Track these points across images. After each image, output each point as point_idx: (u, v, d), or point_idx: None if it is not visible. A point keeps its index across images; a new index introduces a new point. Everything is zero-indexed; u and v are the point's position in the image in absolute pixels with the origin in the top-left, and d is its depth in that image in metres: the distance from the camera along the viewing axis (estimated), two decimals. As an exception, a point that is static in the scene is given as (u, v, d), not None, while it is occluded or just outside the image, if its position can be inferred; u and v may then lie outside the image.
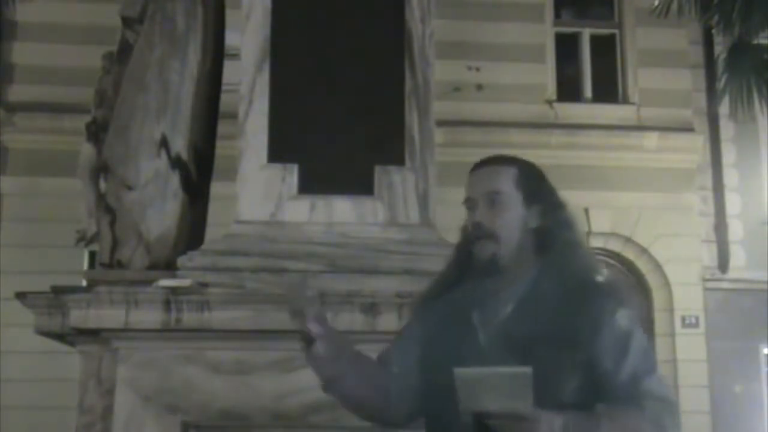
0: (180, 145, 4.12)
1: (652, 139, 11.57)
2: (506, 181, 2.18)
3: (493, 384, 1.84)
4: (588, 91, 12.12)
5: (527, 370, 1.83)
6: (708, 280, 11.45)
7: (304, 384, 3.48)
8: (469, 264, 2.21)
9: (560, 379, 1.99)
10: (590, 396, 1.98)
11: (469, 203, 2.19)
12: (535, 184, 2.22)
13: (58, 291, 3.72)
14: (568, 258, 2.16)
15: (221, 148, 4.44)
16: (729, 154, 11.89)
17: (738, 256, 11.63)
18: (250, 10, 4.07)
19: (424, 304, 2.30)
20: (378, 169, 3.92)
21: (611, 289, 2.14)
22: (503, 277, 2.15)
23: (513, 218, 2.16)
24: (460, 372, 1.85)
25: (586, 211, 11.41)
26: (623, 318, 2.07)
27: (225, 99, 4.49)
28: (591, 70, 12.16)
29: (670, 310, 11.35)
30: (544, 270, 2.14)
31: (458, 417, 1.91)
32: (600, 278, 2.17)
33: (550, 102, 11.84)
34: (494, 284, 2.15)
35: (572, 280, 2.11)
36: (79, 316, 3.55)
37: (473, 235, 2.16)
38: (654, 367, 2.07)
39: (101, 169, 4.21)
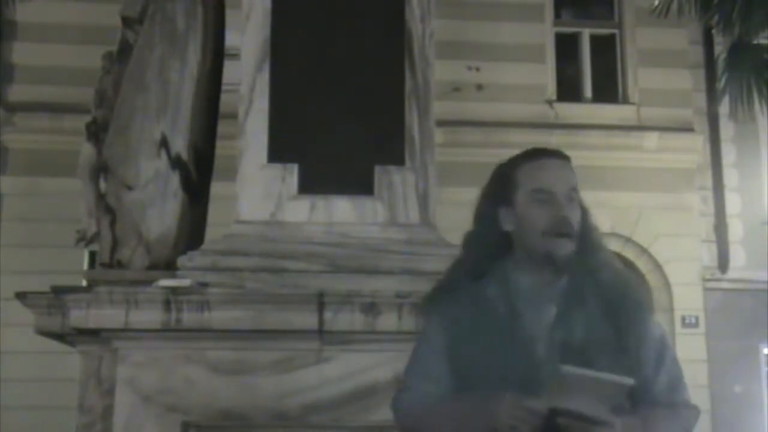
0: (180, 145, 4.12)
1: (652, 139, 11.58)
2: (576, 179, 2.13)
3: (589, 386, 1.86)
4: (588, 91, 12.12)
5: (629, 381, 1.87)
6: (708, 280, 11.46)
7: (304, 384, 3.49)
8: (494, 256, 2.12)
9: None
10: (635, 399, 2.01)
11: (546, 195, 2.07)
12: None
13: (58, 291, 3.72)
14: (599, 262, 2.14)
15: (221, 148, 4.44)
16: (729, 154, 11.89)
17: (738, 256, 11.63)
18: (250, 10, 4.07)
19: (442, 300, 2.17)
20: (378, 169, 3.92)
21: (646, 298, 2.16)
22: (542, 276, 2.09)
23: (579, 220, 2.12)
24: (566, 369, 1.84)
25: (586, 211, 11.42)
26: (659, 328, 2.13)
27: (225, 99, 4.49)
28: (591, 70, 12.16)
29: (670, 310, 11.36)
30: (580, 272, 2.10)
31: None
32: (635, 286, 2.16)
33: (550, 102, 11.84)
34: (532, 283, 2.09)
35: (607, 286, 2.10)
36: (79, 316, 3.55)
37: (555, 231, 2.05)
38: (683, 375, 2.14)
39: (101, 169, 4.21)
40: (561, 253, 2.06)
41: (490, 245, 2.14)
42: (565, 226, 2.06)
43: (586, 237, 2.13)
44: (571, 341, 2.00)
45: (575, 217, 2.08)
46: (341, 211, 3.89)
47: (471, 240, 2.20)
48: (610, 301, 2.07)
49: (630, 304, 2.09)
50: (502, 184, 2.17)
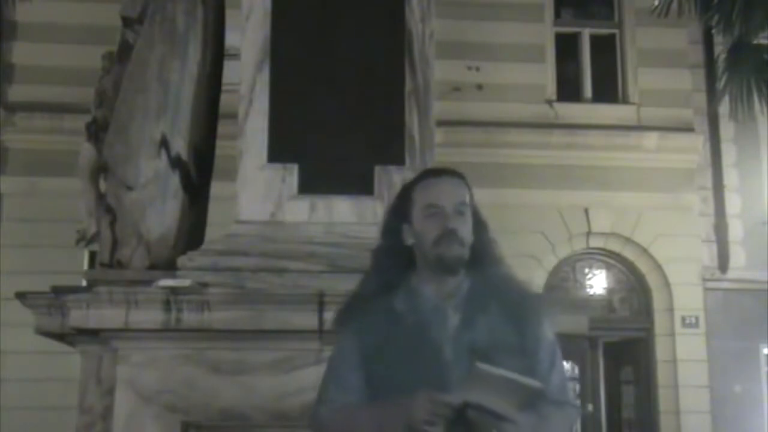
0: (180, 145, 4.12)
1: (652, 139, 11.57)
2: (467, 195, 2.31)
3: (500, 385, 2.00)
4: (588, 91, 12.11)
5: (538, 384, 2.04)
6: (708, 280, 11.45)
7: (304, 384, 3.48)
8: (399, 268, 2.29)
9: None
10: None
11: (435, 210, 2.26)
12: (473, 202, 2.34)
13: (58, 291, 3.72)
14: (497, 272, 2.32)
15: (221, 148, 4.44)
16: (729, 154, 11.89)
17: (738, 256, 11.63)
18: (250, 11, 4.08)
19: (353, 316, 2.31)
20: (378, 169, 3.92)
21: (542, 304, 2.36)
22: (444, 286, 2.25)
23: (470, 231, 2.28)
24: (482, 367, 1.99)
25: (586, 211, 11.43)
26: (550, 331, 2.30)
27: (225, 99, 4.50)
28: (591, 70, 12.16)
29: (670, 310, 11.35)
30: (479, 282, 2.28)
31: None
32: (531, 292, 2.39)
33: (550, 102, 11.83)
34: (436, 293, 2.25)
35: (507, 293, 2.28)
36: (79, 316, 3.55)
37: (442, 240, 2.22)
38: (567, 378, 2.35)
39: (101, 169, 4.21)
40: (449, 254, 2.23)
41: (396, 259, 2.30)
42: (451, 235, 2.23)
43: (484, 249, 2.32)
44: (476, 344, 2.16)
45: (463, 228, 2.25)
46: (341, 211, 3.89)
47: (378, 255, 2.36)
48: (509, 306, 2.25)
49: (527, 309, 2.27)
50: (402, 202, 2.34)
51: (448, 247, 2.22)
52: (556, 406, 2.23)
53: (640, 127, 11.67)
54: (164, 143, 4.07)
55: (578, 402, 2.60)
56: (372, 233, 3.83)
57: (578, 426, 11.36)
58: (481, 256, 2.30)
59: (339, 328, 2.35)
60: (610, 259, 11.78)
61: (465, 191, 2.30)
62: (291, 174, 3.91)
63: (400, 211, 2.33)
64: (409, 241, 2.29)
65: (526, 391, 2.02)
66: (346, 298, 2.39)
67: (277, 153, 3.93)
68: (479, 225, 2.32)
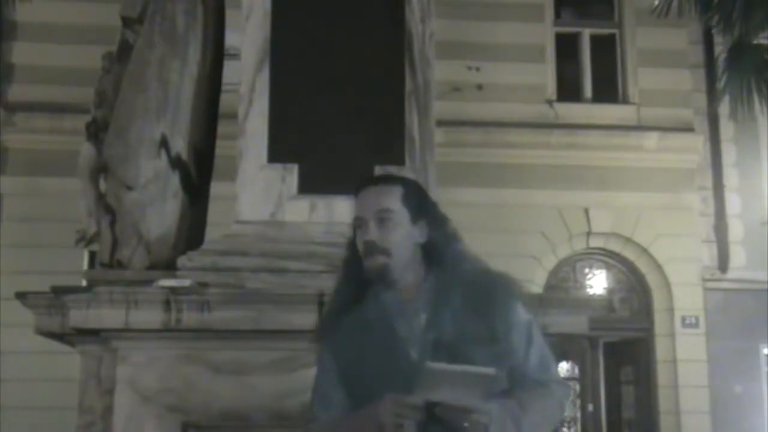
0: (180, 145, 4.12)
1: (652, 139, 11.57)
2: (394, 200, 2.28)
3: (456, 380, 2.01)
4: (588, 91, 12.12)
5: (490, 371, 2.02)
6: (708, 280, 11.45)
7: (304, 384, 3.47)
8: (363, 280, 2.30)
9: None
10: (509, 382, 2.18)
11: (358, 222, 2.29)
12: (419, 201, 2.32)
13: (58, 291, 3.72)
14: (462, 267, 2.30)
15: (221, 148, 4.44)
16: (729, 154, 11.89)
17: (738, 256, 11.63)
18: (250, 11, 4.08)
19: (329, 333, 2.35)
20: (378, 170, 3.92)
21: (511, 286, 2.31)
22: (401, 291, 2.26)
23: (402, 235, 2.26)
24: (431, 365, 2.01)
25: (586, 211, 11.43)
26: (523, 311, 2.27)
27: (225, 99, 4.50)
28: (591, 70, 12.16)
29: (670, 310, 11.36)
30: (440, 280, 2.26)
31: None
32: (498, 278, 2.32)
33: (550, 102, 11.84)
34: (397, 298, 2.26)
35: (473, 285, 2.25)
36: (79, 316, 3.55)
37: (364, 253, 2.25)
38: (551, 355, 2.29)
39: (101, 169, 4.20)
40: (372, 267, 2.24)
41: (359, 273, 2.30)
42: (369, 247, 2.24)
43: (442, 245, 2.30)
44: (442, 340, 2.16)
45: (385, 236, 2.24)
46: (341, 211, 3.89)
47: (344, 267, 2.40)
48: (475, 297, 2.23)
49: (495, 296, 2.24)
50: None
51: (369, 259, 2.24)
52: (539, 385, 2.22)
53: (640, 127, 11.68)
54: (164, 143, 4.07)
55: (563, 379, 2.56)
56: (372, 233, 3.85)
57: (578, 425, 11.40)
58: (439, 253, 2.29)
59: (317, 346, 2.41)
60: (610, 259, 11.79)
61: (390, 198, 2.28)
62: (291, 174, 3.91)
63: (353, 227, 2.38)
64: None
65: (482, 379, 2.02)
66: (321, 315, 2.43)
67: (277, 153, 3.93)
68: (433, 222, 2.31)
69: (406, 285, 2.26)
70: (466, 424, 2.03)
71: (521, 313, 2.27)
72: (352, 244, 2.35)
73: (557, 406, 2.27)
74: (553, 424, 2.30)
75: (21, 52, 11.27)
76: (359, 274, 2.30)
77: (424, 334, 2.19)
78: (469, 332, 2.16)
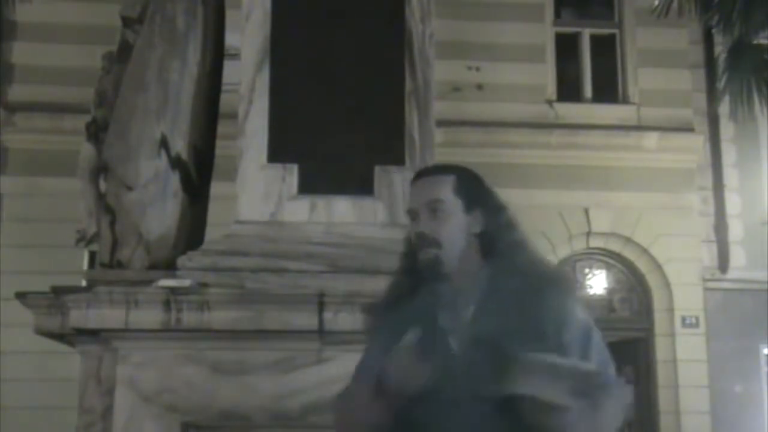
0: (180, 145, 4.12)
1: (652, 139, 11.57)
2: (446, 190, 2.24)
3: (548, 372, 1.96)
4: (588, 91, 12.11)
5: (589, 366, 2.00)
6: (708, 280, 11.45)
7: (304, 384, 3.49)
8: (418, 274, 2.26)
9: None
10: None
11: (411, 214, 2.25)
12: (474, 190, 2.28)
13: (58, 291, 3.72)
14: (516, 257, 2.25)
15: (221, 148, 4.44)
16: (729, 154, 11.89)
17: (738, 256, 11.63)
18: (250, 11, 4.08)
19: (379, 322, 2.33)
20: (378, 169, 3.92)
21: (565, 283, 2.27)
22: (456, 283, 2.21)
23: (455, 225, 2.22)
24: (526, 355, 1.96)
25: (586, 211, 11.43)
26: (581, 312, 2.20)
27: (225, 99, 4.49)
28: (591, 70, 12.16)
29: (670, 310, 11.35)
30: (495, 271, 2.22)
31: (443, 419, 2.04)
32: (552, 273, 2.28)
33: (550, 102, 11.84)
34: (450, 289, 2.21)
35: (526, 278, 2.19)
36: (79, 316, 3.55)
37: (417, 245, 2.21)
38: (609, 355, 2.20)
39: (101, 169, 4.20)
40: (424, 260, 2.20)
41: (416, 264, 2.26)
42: (420, 239, 2.21)
43: (498, 235, 2.25)
44: (484, 333, 2.10)
45: (437, 228, 2.20)
46: (341, 211, 3.89)
47: (402, 260, 2.36)
48: (526, 292, 2.16)
49: (546, 293, 2.17)
50: None
51: (421, 252, 2.20)
52: (601, 388, 2.11)
53: (640, 127, 11.67)
54: (164, 143, 4.07)
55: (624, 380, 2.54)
56: (372, 233, 3.86)
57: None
58: (496, 244, 2.24)
59: (367, 332, 2.40)
60: (610, 259, 11.78)
61: (441, 188, 2.24)
62: (291, 174, 3.91)
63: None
64: None
65: (576, 375, 1.97)
66: (372, 303, 2.41)
67: (277, 153, 3.93)
68: (490, 211, 2.26)
69: (460, 276, 2.21)
70: (544, 417, 1.97)
71: (576, 312, 2.19)
72: (407, 239, 2.31)
73: (620, 408, 2.18)
74: (618, 426, 2.19)
75: (21, 52, 11.27)
76: (414, 267, 2.26)
77: (469, 326, 2.15)
78: (514, 327, 2.09)
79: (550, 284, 2.21)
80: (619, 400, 2.16)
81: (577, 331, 2.15)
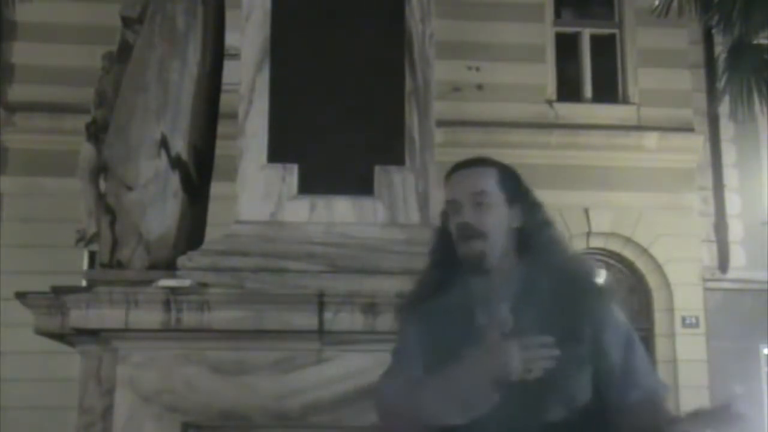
0: (180, 145, 4.11)
1: (652, 139, 11.58)
2: (490, 182, 2.20)
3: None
4: (588, 91, 12.12)
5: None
6: (708, 280, 11.45)
7: (304, 384, 3.49)
8: (451, 266, 2.22)
9: (570, 372, 2.02)
10: (597, 387, 2.06)
11: (454, 205, 2.19)
12: (515, 184, 2.24)
13: (58, 291, 3.72)
14: (553, 255, 2.20)
15: (221, 148, 4.44)
16: (729, 154, 11.89)
17: (738, 256, 11.63)
18: (250, 11, 4.07)
19: (413, 313, 2.27)
20: (378, 169, 3.92)
21: (602, 284, 2.21)
22: (493, 278, 2.16)
23: (498, 218, 2.18)
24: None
25: (586, 211, 11.43)
26: (620, 314, 2.15)
27: (225, 99, 4.49)
28: (591, 70, 12.16)
29: (670, 310, 11.35)
30: (532, 268, 2.17)
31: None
32: (590, 273, 2.22)
33: (550, 102, 11.84)
34: (486, 285, 2.16)
35: (563, 277, 2.15)
36: (79, 316, 3.55)
37: (461, 236, 2.16)
38: (650, 361, 2.17)
39: (101, 169, 4.20)
40: (468, 253, 2.15)
41: (448, 257, 2.23)
42: (465, 230, 2.15)
43: (535, 232, 2.21)
44: (520, 333, 2.02)
45: (481, 219, 2.15)
46: (341, 211, 3.89)
47: (431, 255, 2.32)
48: (563, 293, 2.11)
49: (586, 294, 2.13)
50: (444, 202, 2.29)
51: (465, 243, 2.14)
52: (653, 392, 2.11)
53: (640, 127, 11.68)
54: (164, 143, 4.07)
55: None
56: (372, 233, 3.86)
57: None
58: (533, 240, 2.19)
59: (399, 322, 2.34)
60: (610, 259, 11.78)
61: (485, 180, 2.19)
62: (291, 174, 3.91)
63: (444, 210, 2.27)
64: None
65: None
66: (402, 298, 2.37)
67: (277, 153, 3.93)
68: (528, 207, 2.22)
69: (498, 271, 2.16)
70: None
71: (617, 316, 2.15)
72: (441, 231, 2.26)
73: (669, 411, 2.16)
74: None
75: (21, 52, 11.28)
76: (447, 260, 2.22)
77: (499, 326, 2.05)
78: (550, 329, 2.01)
79: (587, 284, 2.17)
80: (666, 403, 2.15)
81: (618, 335, 2.11)
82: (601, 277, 2.23)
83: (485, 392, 1.97)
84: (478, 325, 2.10)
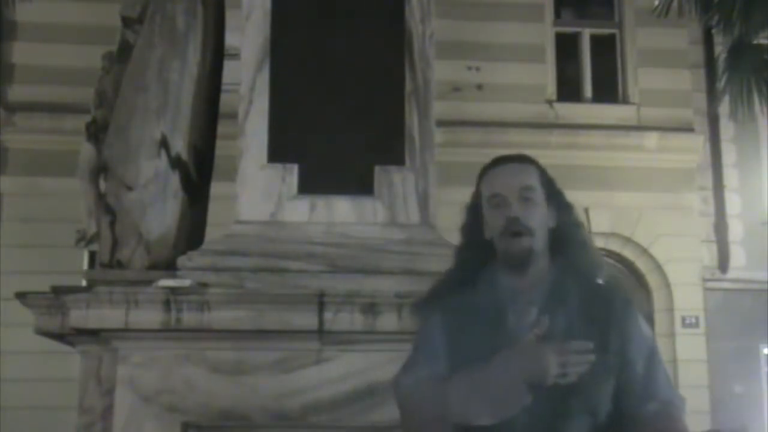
0: (180, 145, 4.12)
1: (652, 139, 11.57)
2: (535, 178, 2.19)
3: None
4: (588, 91, 12.11)
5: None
6: (708, 280, 11.45)
7: (304, 384, 3.49)
8: (480, 261, 2.19)
9: (595, 380, 2.03)
10: (617, 397, 2.07)
11: (499, 199, 2.15)
12: (552, 184, 2.23)
13: (58, 291, 3.72)
14: (584, 260, 2.20)
15: (221, 148, 4.44)
16: (729, 154, 11.89)
17: (738, 256, 11.63)
18: (250, 11, 4.07)
19: (437, 308, 2.23)
20: (378, 169, 3.92)
21: (630, 297, 2.22)
22: (525, 277, 2.14)
23: (542, 215, 2.17)
24: None
25: (586, 211, 11.41)
26: (646, 326, 2.17)
27: (225, 99, 4.49)
28: (591, 70, 12.16)
29: (670, 310, 11.35)
30: (563, 271, 2.17)
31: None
32: (620, 284, 2.25)
33: (550, 102, 11.84)
34: (516, 284, 2.15)
35: (592, 285, 2.16)
36: (79, 316, 3.55)
37: (508, 231, 2.12)
38: (668, 372, 2.19)
39: (101, 169, 4.20)
40: (515, 249, 2.12)
41: (476, 253, 2.22)
42: (515, 225, 2.12)
43: (567, 234, 2.20)
44: (550, 341, 2.02)
45: (529, 215, 2.13)
46: (341, 211, 3.89)
47: (458, 252, 2.29)
48: (592, 301, 2.12)
49: (614, 303, 2.14)
50: (475, 197, 2.25)
51: (512, 239, 2.11)
52: (668, 402, 2.11)
53: (640, 127, 11.68)
54: (164, 143, 4.07)
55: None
56: (372, 233, 3.86)
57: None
58: (565, 242, 2.18)
59: (421, 318, 2.28)
60: (610, 259, 11.77)
61: (530, 176, 2.18)
62: (291, 174, 3.91)
63: (474, 206, 2.24)
64: (488, 234, 2.19)
65: None
66: (423, 293, 2.31)
67: (277, 153, 3.93)
68: (562, 207, 2.22)
69: (533, 271, 2.14)
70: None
71: (643, 328, 2.16)
72: (472, 226, 2.23)
73: (686, 422, 2.16)
74: None
75: (21, 52, 11.27)
76: (475, 257, 2.20)
77: (532, 329, 2.05)
78: (579, 337, 2.02)
79: (615, 295, 2.17)
80: (684, 416, 2.14)
81: (642, 349, 2.12)
82: (624, 284, 2.25)
83: (518, 393, 1.96)
84: (510, 327, 2.09)
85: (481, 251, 2.21)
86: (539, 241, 2.14)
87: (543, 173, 2.22)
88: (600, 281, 2.19)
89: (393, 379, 2.23)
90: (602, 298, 2.13)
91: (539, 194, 2.17)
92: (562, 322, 2.07)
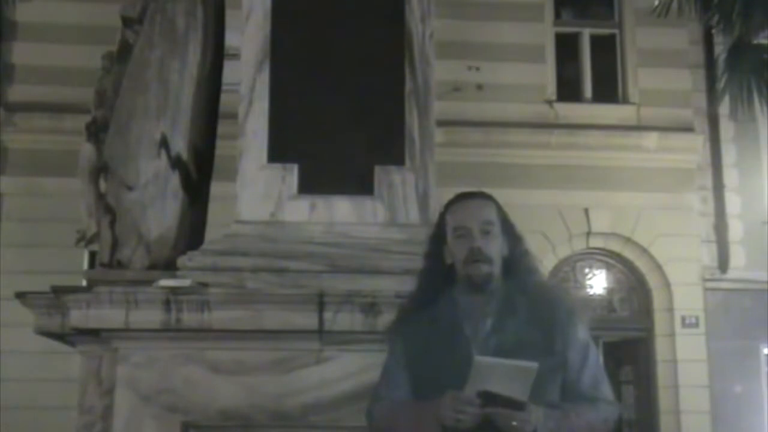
0: (180, 145, 4.12)
1: (652, 139, 11.57)
2: (493, 213, 2.55)
3: (503, 373, 2.22)
4: (588, 91, 12.12)
5: (533, 365, 2.22)
6: (708, 280, 11.45)
7: (304, 384, 3.49)
8: (442, 285, 2.54)
9: (545, 380, 2.33)
10: (561, 395, 2.43)
11: (464, 231, 2.49)
12: (506, 218, 2.59)
13: (58, 291, 3.72)
14: (531, 280, 2.56)
15: (221, 148, 4.44)
16: (729, 154, 11.89)
17: (738, 256, 11.63)
18: (250, 11, 4.08)
19: (400, 331, 2.58)
20: (378, 169, 3.92)
21: (572, 305, 2.60)
22: (480, 296, 2.48)
23: (499, 246, 2.53)
24: (479, 359, 2.23)
25: (586, 211, 11.43)
26: (582, 331, 2.51)
27: (225, 99, 4.49)
28: (591, 70, 12.16)
29: (670, 310, 11.35)
30: (512, 290, 2.50)
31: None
32: (560, 296, 2.65)
33: (550, 102, 11.84)
34: (472, 302, 2.48)
35: (538, 298, 2.50)
36: (79, 316, 3.55)
37: (471, 259, 2.46)
38: (605, 375, 2.52)
39: (101, 169, 4.21)
40: (477, 274, 2.47)
41: (437, 278, 2.57)
42: (478, 254, 2.47)
43: (517, 261, 2.55)
44: (503, 345, 2.37)
45: (489, 246, 2.49)
46: (341, 211, 3.89)
47: (421, 276, 2.64)
48: (539, 312, 2.46)
49: (558, 313, 2.48)
50: (439, 226, 2.61)
51: (474, 266, 2.45)
52: (588, 401, 2.43)
53: (640, 127, 11.68)
54: (164, 143, 4.07)
55: (614, 399, 2.85)
56: (372, 233, 3.86)
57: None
58: (515, 267, 2.53)
59: (390, 340, 2.63)
60: (610, 259, 11.79)
61: (491, 211, 2.54)
62: (291, 174, 3.91)
63: (437, 234, 2.59)
64: (449, 260, 2.54)
65: (525, 373, 2.22)
66: (390, 321, 2.72)
67: (277, 153, 3.93)
68: (513, 239, 2.56)
69: (487, 291, 2.48)
70: (514, 423, 2.22)
71: (581, 332, 2.49)
72: (433, 254, 2.58)
73: (602, 422, 2.45)
74: None
75: (21, 52, 11.27)
76: (436, 281, 2.55)
77: (488, 337, 2.41)
78: (528, 341, 2.37)
79: (560, 306, 2.52)
80: (600, 414, 2.44)
81: (577, 351, 2.46)
82: (569, 297, 2.64)
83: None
84: (467, 334, 2.43)
85: (440, 276, 2.56)
86: (496, 268, 2.50)
87: (500, 209, 2.58)
88: (545, 296, 2.52)
89: (367, 409, 2.58)
90: (547, 309, 2.47)
91: (497, 227, 2.53)
92: (513, 331, 2.41)
